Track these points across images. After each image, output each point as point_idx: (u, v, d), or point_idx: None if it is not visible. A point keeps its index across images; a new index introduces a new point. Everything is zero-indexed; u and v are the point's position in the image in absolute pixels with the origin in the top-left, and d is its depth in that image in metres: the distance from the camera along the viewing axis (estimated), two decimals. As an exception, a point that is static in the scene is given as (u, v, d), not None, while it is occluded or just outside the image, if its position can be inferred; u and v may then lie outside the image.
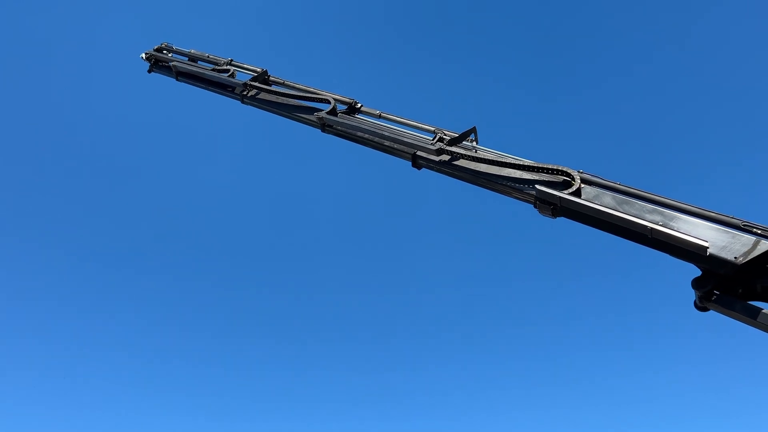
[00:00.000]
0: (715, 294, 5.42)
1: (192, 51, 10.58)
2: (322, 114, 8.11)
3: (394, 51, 25.58)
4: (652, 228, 5.54)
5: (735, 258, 5.22)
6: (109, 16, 23.76)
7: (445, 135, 7.40)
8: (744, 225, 5.40)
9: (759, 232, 5.32)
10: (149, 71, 10.77)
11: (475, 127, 7.61)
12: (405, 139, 7.45)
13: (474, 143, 7.59)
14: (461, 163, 7.08)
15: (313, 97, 8.58)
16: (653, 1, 22.79)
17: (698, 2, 22.07)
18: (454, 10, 25.24)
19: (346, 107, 8.39)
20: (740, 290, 5.32)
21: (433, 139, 7.37)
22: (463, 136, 7.47)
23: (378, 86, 23.17)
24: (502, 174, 6.72)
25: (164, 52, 10.79)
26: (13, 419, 20.04)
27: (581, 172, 6.37)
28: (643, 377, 20.40)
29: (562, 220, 6.45)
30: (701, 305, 5.47)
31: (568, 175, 6.37)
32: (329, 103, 8.33)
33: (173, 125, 24.30)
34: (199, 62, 10.39)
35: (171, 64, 10.12)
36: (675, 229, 5.51)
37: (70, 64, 23.92)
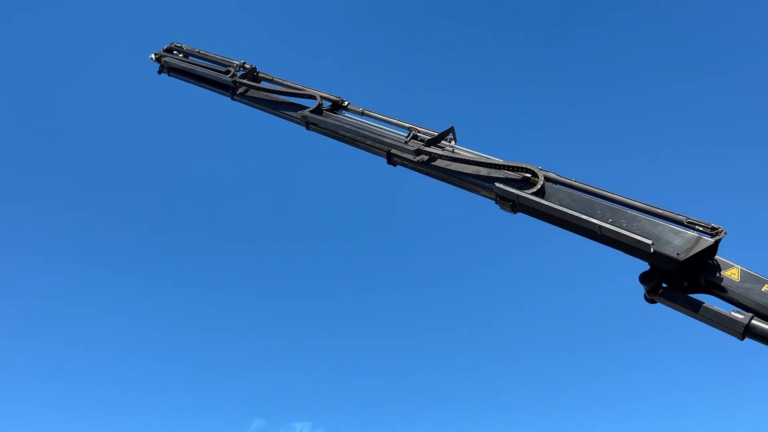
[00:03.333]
0: (663, 288, 6.08)
1: (203, 51, 10.78)
2: (306, 113, 8.71)
3: (377, 49, 26.63)
4: (600, 225, 6.13)
5: (677, 254, 5.79)
6: (117, 18, 24.81)
7: (419, 132, 7.97)
8: (688, 222, 5.97)
9: (701, 228, 5.91)
10: (159, 72, 11.05)
11: (452, 126, 8.14)
12: (384, 139, 8.04)
13: (452, 143, 8.20)
14: (436, 162, 7.72)
15: (301, 94, 9.25)
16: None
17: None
18: (437, 10, 26.30)
19: (330, 104, 9.06)
20: (685, 284, 5.91)
21: (407, 137, 8.00)
22: (441, 136, 7.95)
23: (363, 84, 24.14)
24: (468, 172, 7.34)
25: (174, 52, 11.04)
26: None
27: (544, 171, 7.00)
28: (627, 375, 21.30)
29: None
30: (649, 298, 6.06)
31: (532, 173, 6.94)
32: (315, 99, 8.94)
33: (178, 125, 25.25)
34: (210, 63, 10.84)
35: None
36: (623, 227, 6.12)
37: (81, 65, 25.06)
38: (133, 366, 22.44)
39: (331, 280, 24.39)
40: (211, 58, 10.67)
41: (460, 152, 7.81)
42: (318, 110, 8.79)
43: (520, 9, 26.14)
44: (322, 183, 24.78)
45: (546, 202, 6.54)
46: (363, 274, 24.68)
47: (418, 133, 7.96)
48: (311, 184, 24.88)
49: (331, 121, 8.57)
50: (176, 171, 25.28)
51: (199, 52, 10.94)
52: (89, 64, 24.93)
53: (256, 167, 25.36)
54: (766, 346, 5.53)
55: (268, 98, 9.48)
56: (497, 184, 6.87)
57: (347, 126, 8.44)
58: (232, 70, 9.96)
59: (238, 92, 9.72)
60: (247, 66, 10.04)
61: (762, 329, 5.47)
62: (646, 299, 6.14)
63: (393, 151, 7.88)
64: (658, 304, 6.13)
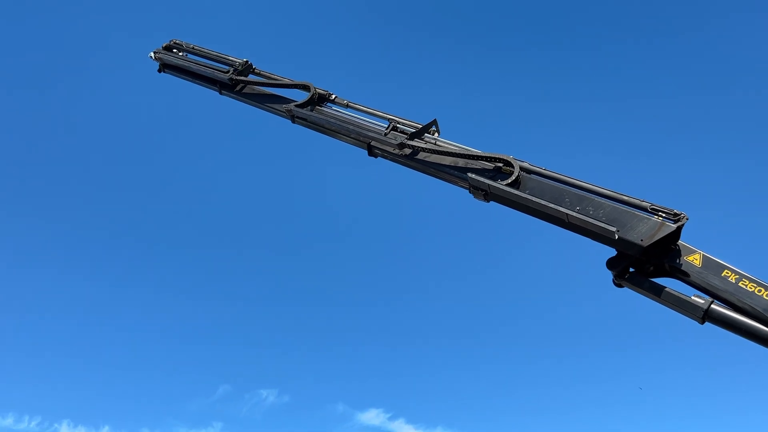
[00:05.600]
0: (629, 273, 6.31)
1: (201, 48, 10.85)
2: (291, 106, 8.93)
3: (365, 43, 27.24)
4: (568, 213, 6.39)
5: (641, 240, 6.02)
6: (117, 18, 25.43)
7: (399, 124, 8.20)
8: (651, 208, 6.21)
9: (664, 215, 6.14)
10: (159, 71, 11.12)
11: (435, 119, 8.41)
12: (365, 131, 8.27)
13: (436, 135, 8.44)
14: (417, 155, 7.94)
15: (294, 85, 9.38)
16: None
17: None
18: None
19: (317, 97, 9.30)
20: (651, 268, 6.18)
21: (387, 128, 8.21)
22: (425, 129, 8.15)
23: (351, 78, 24.65)
24: (445, 163, 7.58)
25: (174, 50, 11.06)
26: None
27: (519, 161, 7.24)
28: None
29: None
30: (617, 282, 6.34)
31: (508, 163, 7.18)
32: (309, 90, 9.08)
33: (179, 125, 25.86)
34: (206, 60, 11.05)
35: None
36: (590, 215, 6.35)
37: (81, 66, 25.72)
38: (98, 334, 23.34)
39: (303, 253, 25.21)
40: (209, 55, 10.79)
41: (443, 144, 8.04)
42: (304, 104, 9.03)
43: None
44: (306, 174, 25.46)
45: (516, 192, 6.80)
46: (340, 251, 25.44)
47: (398, 125, 8.21)
48: (297, 177, 25.54)
49: (316, 115, 8.83)
50: (171, 170, 26.00)
51: (195, 49, 11.09)
52: (89, 64, 25.59)
53: (241, 163, 26.05)
54: (725, 330, 5.76)
55: (255, 92, 9.76)
56: (470, 175, 7.12)
57: (331, 120, 8.69)
58: (231, 68, 10.09)
59: (235, 89, 9.94)
60: (250, 64, 10.16)
61: (720, 314, 5.71)
62: (614, 284, 6.40)
63: (373, 143, 8.14)
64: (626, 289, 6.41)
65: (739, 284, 5.71)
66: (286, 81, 9.56)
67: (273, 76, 9.97)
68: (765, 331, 5.56)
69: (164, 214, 25.36)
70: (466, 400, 22.64)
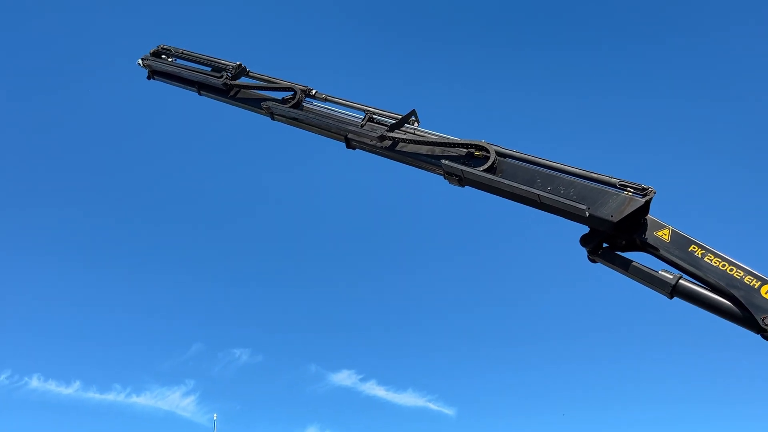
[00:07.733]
0: (603, 248, 6.34)
1: (194, 53, 10.76)
2: (270, 104, 9.05)
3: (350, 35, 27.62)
4: (539, 194, 6.46)
5: (611, 216, 6.06)
6: (112, 22, 25.90)
7: (375, 114, 8.24)
8: (620, 184, 6.25)
9: (631, 191, 6.17)
10: (149, 77, 11.08)
11: (414, 109, 8.44)
12: (342, 124, 8.35)
13: (416, 125, 8.48)
14: (398, 146, 7.98)
15: (278, 87, 9.49)
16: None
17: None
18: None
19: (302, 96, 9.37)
20: (623, 243, 6.24)
21: (363, 119, 8.25)
22: (404, 120, 8.19)
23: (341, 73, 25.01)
24: (422, 152, 7.64)
25: (163, 56, 10.99)
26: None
27: (494, 146, 7.26)
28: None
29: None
30: (591, 258, 6.39)
31: (482, 148, 7.23)
32: (293, 91, 9.13)
33: (171, 128, 26.35)
34: (194, 65, 11.15)
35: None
36: (561, 194, 6.39)
37: (79, 71, 26.30)
38: (70, 290, 23.67)
39: (282, 229, 25.59)
40: (199, 59, 10.71)
41: (422, 134, 8.08)
42: (285, 102, 9.11)
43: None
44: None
45: (487, 175, 6.85)
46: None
47: (374, 116, 8.25)
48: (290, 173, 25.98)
49: (295, 111, 8.88)
50: (161, 164, 26.49)
51: (184, 53, 10.95)
52: (87, 69, 26.15)
53: (227, 157, 26.56)
54: (693, 305, 5.76)
55: (243, 95, 9.81)
56: (444, 161, 7.17)
57: (310, 115, 8.75)
58: (223, 72, 10.04)
59: (229, 95, 9.96)
60: (243, 67, 10.08)
61: (688, 289, 5.75)
62: (589, 260, 6.45)
63: (350, 135, 8.19)
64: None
65: (705, 259, 5.75)
66: (278, 83, 9.57)
67: (266, 77, 9.96)
68: (729, 306, 5.61)
69: (151, 198, 25.99)
70: (436, 365, 23.27)
